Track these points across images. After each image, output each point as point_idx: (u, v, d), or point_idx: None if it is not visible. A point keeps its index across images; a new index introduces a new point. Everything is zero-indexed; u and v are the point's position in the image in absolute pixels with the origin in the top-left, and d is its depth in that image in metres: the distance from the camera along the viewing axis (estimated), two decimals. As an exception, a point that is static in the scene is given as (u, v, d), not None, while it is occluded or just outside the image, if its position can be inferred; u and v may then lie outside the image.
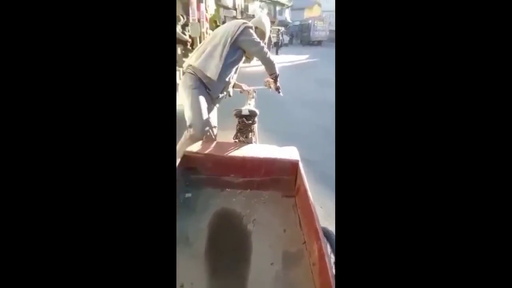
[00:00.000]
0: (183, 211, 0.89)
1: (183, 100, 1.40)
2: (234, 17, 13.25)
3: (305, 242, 0.82)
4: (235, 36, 1.35)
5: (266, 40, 1.57)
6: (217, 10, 10.19)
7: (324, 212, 1.60)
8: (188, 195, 1.00)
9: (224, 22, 10.36)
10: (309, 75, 7.19)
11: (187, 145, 1.22)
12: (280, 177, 1.05)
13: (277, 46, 13.03)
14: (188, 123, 1.39)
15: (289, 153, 1.10)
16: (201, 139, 1.30)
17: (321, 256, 0.64)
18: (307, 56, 12.68)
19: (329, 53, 12.93)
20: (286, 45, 18.34)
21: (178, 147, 1.38)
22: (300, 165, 1.02)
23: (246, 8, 15.71)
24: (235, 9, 13.56)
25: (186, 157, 1.05)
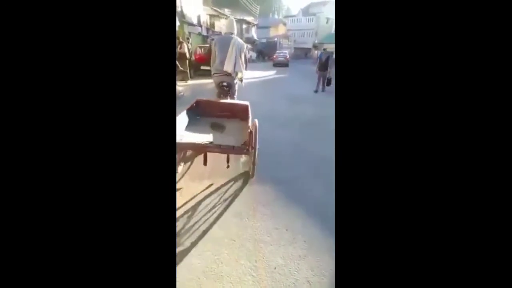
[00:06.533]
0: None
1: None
2: (199, 34, 13.14)
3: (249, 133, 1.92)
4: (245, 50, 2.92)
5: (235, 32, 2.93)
6: (181, 27, 9.97)
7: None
8: (198, 117, 2.53)
9: (188, 39, 10.18)
10: (278, 90, 7.19)
11: None
12: (240, 112, 2.56)
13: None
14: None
15: (245, 102, 2.60)
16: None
17: (250, 141, 1.88)
18: (275, 71, 12.95)
19: (296, 68, 13.47)
20: (253, 61, 18.79)
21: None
22: (249, 106, 2.49)
23: (213, 25, 15.74)
24: (200, 26, 13.42)
25: (197, 101, 2.57)
